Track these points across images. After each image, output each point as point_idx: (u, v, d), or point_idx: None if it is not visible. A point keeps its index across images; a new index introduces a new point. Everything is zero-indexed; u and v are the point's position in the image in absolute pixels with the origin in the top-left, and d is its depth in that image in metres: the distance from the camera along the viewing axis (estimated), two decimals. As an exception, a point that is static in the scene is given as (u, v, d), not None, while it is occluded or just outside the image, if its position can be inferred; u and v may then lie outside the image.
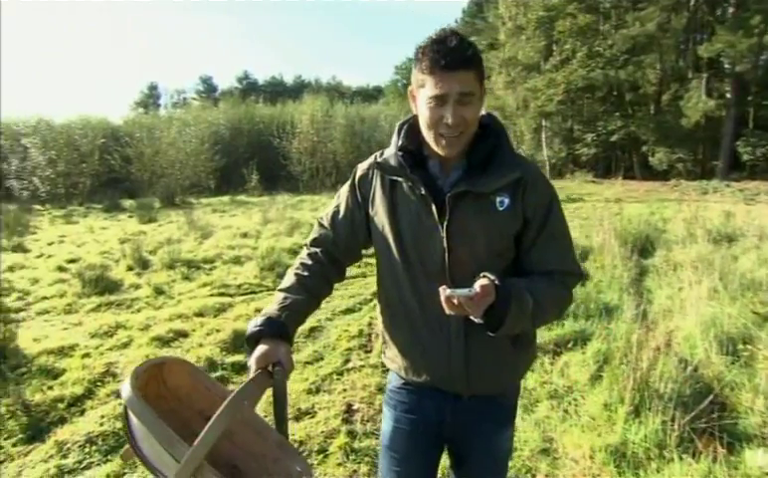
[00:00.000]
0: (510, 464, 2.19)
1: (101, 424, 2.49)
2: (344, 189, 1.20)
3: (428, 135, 1.03)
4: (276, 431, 0.98)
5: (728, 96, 19.45)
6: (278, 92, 45.18)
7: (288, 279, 1.13)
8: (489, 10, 30.60)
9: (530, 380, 2.90)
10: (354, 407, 2.70)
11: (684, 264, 4.96)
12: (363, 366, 3.25)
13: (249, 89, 45.98)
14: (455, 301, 0.90)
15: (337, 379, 3.08)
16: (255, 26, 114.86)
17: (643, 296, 4.21)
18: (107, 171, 17.57)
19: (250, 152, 21.87)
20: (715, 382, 2.71)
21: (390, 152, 1.11)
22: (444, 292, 0.91)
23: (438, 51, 0.96)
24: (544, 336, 3.41)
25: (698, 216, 7.51)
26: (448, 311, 0.93)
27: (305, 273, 1.13)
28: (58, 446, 2.35)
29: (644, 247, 5.79)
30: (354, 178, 1.18)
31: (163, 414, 0.86)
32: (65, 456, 2.28)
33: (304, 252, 1.20)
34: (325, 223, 1.21)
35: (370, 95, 43.64)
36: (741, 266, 4.85)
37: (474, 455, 1.15)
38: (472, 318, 0.95)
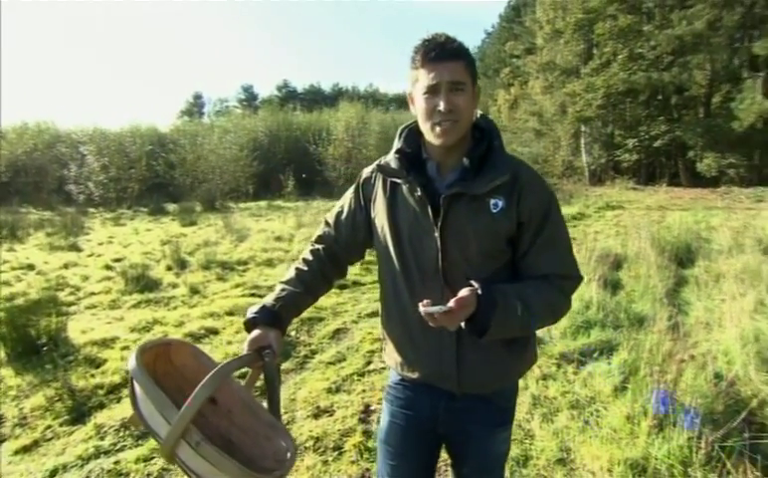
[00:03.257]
0: (525, 473, 2.17)
1: (135, 412, 2.66)
2: (349, 191, 1.26)
3: (425, 128, 1.07)
4: (268, 412, 1.05)
5: (788, 97, 18.10)
6: (315, 99, 46.21)
7: (289, 272, 1.23)
8: (527, 14, 30.04)
9: (551, 389, 2.85)
10: (372, 408, 2.75)
11: (728, 275, 4.69)
12: (384, 368, 3.29)
13: (288, 97, 47.30)
14: (435, 315, 0.94)
15: (358, 380, 3.13)
16: (294, 36, 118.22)
17: (678, 307, 4.03)
18: (154, 176, 18.55)
19: (287, 159, 22.50)
20: (752, 400, 2.56)
21: (391, 155, 1.16)
22: (422, 309, 0.95)
23: (428, 45, 1.04)
24: (569, 345, 3.33)
25: (749, 225, 7.08)
26: (431, 324, 0.97)
27: (305, 268, 1.22)
28: (96, 429, 2.54)
29: (683, 256, 5.51)
30: (359, 181, 1.24)
31: (170, 390, 0.95)
32: (102, 438, 2.46)
33: (308, 248, 1.28)
34: (330, 222, 1.28)
35: (406, 101, 43.71)
36: (794, 279, 4.53)
37: (467, 454, 1.17)
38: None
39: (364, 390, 2.98)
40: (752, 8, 19.11)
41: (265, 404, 1.10)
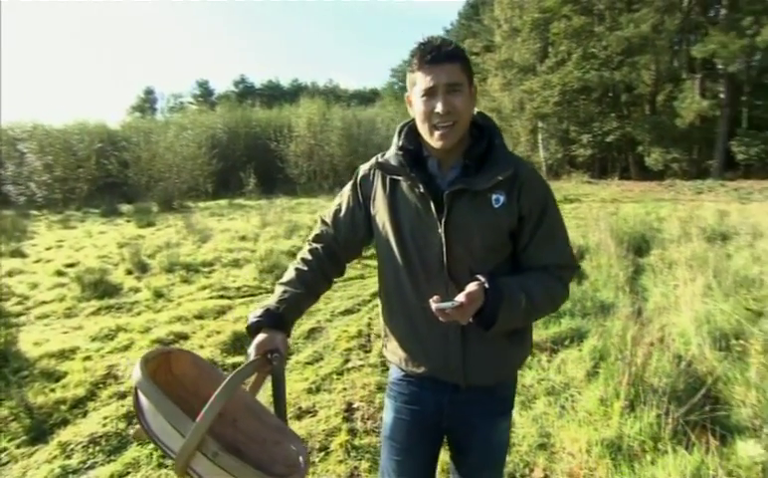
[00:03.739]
0: (509, 459, 2.24)
1: (104, 425, 2.52)
2: (346, 189, 1.26)
3: (423, 130, 1.09)
4: (275, 416, 1.03)
5: (722, 96, 19.63)
6: (274, 95, 45.23)
7: (289, 273, 1.20)
8: (485, 12, 30.75)
9: (527, 377, 2.94)
10: (354, 406, 2.74)
11: (679, 262, 5.01)
12: (363, 366, 3.29)
13: (246, 92, 46.06)
14: (447, 311, 0.97)
15: (337, 379, 3.11)
16: (252, 30, 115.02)
17: (638, 294, 4.27)
18: (105, 176, 17.57)
19: (247, 156, 21.91)
20: (708, 377, 2.76)
21: (391, 153, 1.16)
22: (433, 305, 0.97)
23: (424, 49, 1.06)
24: (541, 334, 3.45)
25: (693, 215, 7.60)
26: (442, 319, 0.99)
27: (305, 268, 1.20)
28: (61, 447, 2.37)
29: (639, 246, 5.85)
30: (356, 178, 1.23)
31: (173, 401, 0.91)
32: (68, 457, 2.30)
33: (306, 248, 1.26)
34: (327, 220, 1.27)
35: (367, 97, 43.72)
36: (735, 264, 4.92)
37: (472, 445, 1.19)
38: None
39: (345, 389, 2.96)
40: (689, 14, 20.52)
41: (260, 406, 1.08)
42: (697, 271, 4.54)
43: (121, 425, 2.51)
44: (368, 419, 2.58)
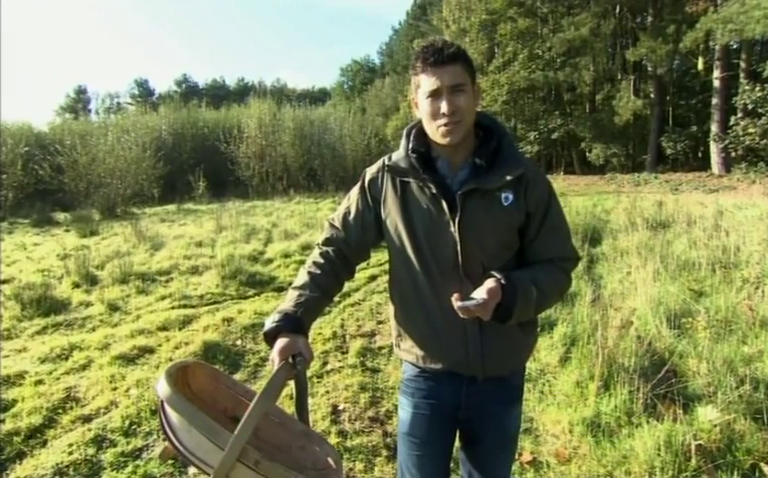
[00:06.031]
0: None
1: (71, 453, 2.32)
2: (354, 192, 1.26)
3: (430, 130, 1.11)
4: (298, 421, 1.00)
5: (652, 96, 21.27)
6: (220, 95, 43.74)
7: (302, 277, 1.18)
8: (433, 13, 31.33)
9: (505, 367, 3.04)
10: (340, 408, 2.71)
11: (629, 250, 5.38)
12: (342, 368, 3.26)
13: (189, 92, 44.12)
14: (471, 308, 0.99)
15: (318, 382, 3.06)
16: (190, 27, 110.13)
17: (596, 281, 4.53)
18: (34, 182, 16.17)
19: (195, 159, 21.04)
20: (667, 353, 2.99)
21: (400, 155, 1.17)
22: (456, 304, 0.99)
23: (426, 52, 1.08)
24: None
25: (636, 206, 8.18)
26: (462, 316, 1.01)
27: (318, 271, 1.18)
28: (21, 482, 2.16)
29: (592, 237, 6.21)
30: (364, 181, 1.24)
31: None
32: (32, 491, 2.10)
33: (316, 251, 1.24)
34: (337, 224, 1.26)
35: (316, 97, 43.21)
36: (676, 249, 5.35)
37: (487, 433, 1.23)
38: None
39: (327, 391, 2.92)
40: (621, 20, 22.05)
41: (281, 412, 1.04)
42: (646, 258, 4.89)
43: (91, 451, 2.32)
44: (356, 420, 2.56)
